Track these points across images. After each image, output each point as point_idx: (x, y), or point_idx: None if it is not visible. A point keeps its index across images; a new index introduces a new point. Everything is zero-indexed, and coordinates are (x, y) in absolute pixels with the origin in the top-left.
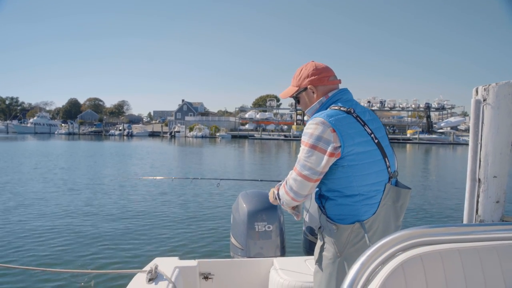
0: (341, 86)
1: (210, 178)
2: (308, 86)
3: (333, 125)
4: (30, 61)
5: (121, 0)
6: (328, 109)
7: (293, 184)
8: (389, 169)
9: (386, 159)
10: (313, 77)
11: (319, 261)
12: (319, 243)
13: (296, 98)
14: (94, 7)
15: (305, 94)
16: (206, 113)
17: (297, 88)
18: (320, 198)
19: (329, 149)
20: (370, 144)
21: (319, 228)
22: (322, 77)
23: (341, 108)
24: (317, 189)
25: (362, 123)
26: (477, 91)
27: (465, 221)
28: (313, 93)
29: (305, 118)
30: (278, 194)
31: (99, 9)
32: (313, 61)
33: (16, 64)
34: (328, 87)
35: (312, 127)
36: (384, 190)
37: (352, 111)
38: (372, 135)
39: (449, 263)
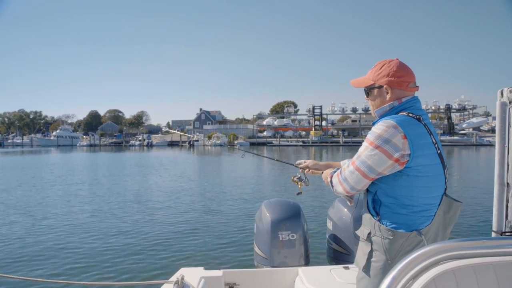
0: None
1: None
2: (384, 86)
3: (405, 131)
4: (52, 76)
5: (136, 6)
6: (399, 114)
7: (349, 176)
8: (446, 182)
9: (445, 171)
10: (392, 78)
11: (366, 268)
12: (365, 249)
13: (368, 92)
14: (108, 15)
15: (379, 92)
16: (224, 121)
17: (372, 83)
18: (374, 203)
19: (396, 155)
20: (436, 158)
21: (369, 234)
22: (402, 81)
23: (410, 115)
24: (372, 193)
25: (429, 133)
26: (502, 93)
27: (494, 227)
28: (387, 93)
29: (323, 123)
30: (331, 181)
31: (112, 17)
32: (397, 59)
33: (40, 79)
34: (404, 92)
35: (382, 128)
36: (439, 203)
37: (421, 119)
38: (436, 146)
39: (484, 277)
